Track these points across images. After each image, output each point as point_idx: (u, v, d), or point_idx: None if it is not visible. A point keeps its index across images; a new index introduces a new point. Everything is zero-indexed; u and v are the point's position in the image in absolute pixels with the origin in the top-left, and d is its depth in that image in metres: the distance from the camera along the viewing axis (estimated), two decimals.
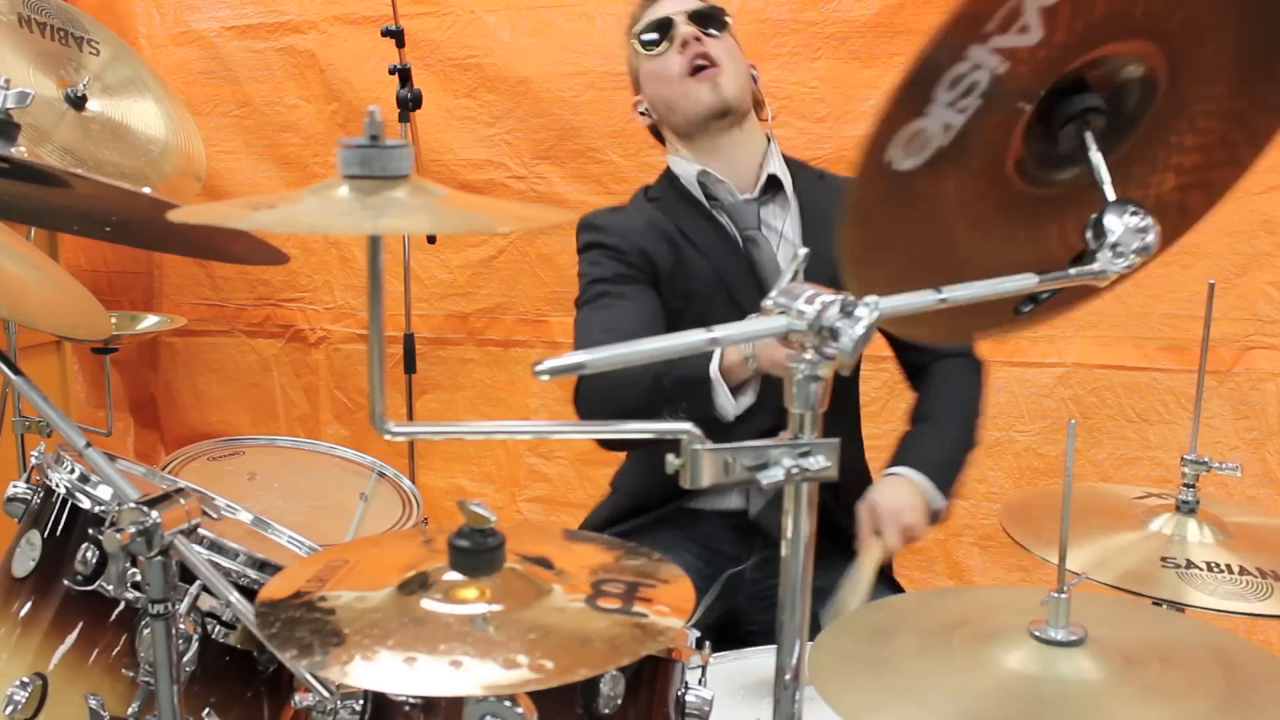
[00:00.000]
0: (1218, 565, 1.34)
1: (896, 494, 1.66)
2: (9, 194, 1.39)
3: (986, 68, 0.88)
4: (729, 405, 1.54)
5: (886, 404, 2.60)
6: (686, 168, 1.85)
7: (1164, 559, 1.35)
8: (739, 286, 1.78)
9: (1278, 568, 1.34)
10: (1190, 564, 1.34)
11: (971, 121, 0.92)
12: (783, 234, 1.83)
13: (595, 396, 1.65)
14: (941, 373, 1.88)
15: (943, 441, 1.80)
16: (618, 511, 1.94)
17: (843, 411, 1.96)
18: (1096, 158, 0.98)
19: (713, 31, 1.79)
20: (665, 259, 1.81)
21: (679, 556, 1.84)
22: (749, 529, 1.86)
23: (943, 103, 0.89)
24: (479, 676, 0.79)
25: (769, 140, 1.87)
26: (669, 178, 1.89)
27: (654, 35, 1.80)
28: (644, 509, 1.90)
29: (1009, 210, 1.05)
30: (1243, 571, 1.33)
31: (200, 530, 1.21)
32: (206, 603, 1.34)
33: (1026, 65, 0.90)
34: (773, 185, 1.84)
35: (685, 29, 1.78)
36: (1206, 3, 0.94)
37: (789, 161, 1.88)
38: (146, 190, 1.38)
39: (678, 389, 1.54)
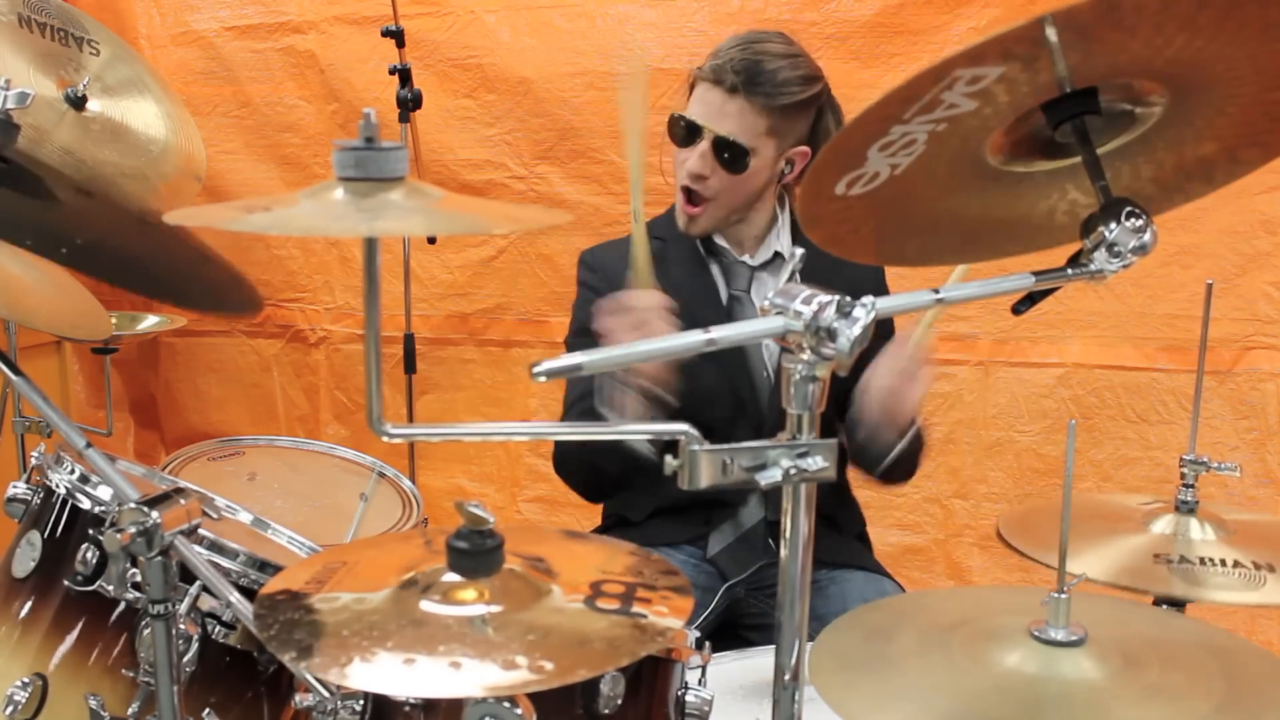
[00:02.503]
0: (1210, 560, 1.34)
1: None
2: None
3: (921, 129, 0.88)
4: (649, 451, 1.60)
5: None
6: None
7: (1156, 555, 1.36)
8: None
9: (1274, 561, 1.34)
10: (1183, 559, 1.35)
11: (926, 152, 0.92)
12: (793, 277, 1.81)
13: (572, 469, 1.80)
14: None
15: None
16: (609, 531, 1.97)
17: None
18: (1093, 158, 0.98)
19: (726, 168, 1.72)
20: None
21: (671, 555, 1.85)
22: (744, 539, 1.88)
23: (877, 159, 0.90)
24: (478, 678, 0.79)
25: (777, 214, 1.85)
26: (676, 215, 1.87)
27: (677, 132, 1.75)
28: (633, 524, 1.92)
29: (985, 180, 1.05)
30: (1236, 565, 1.33)
31: (200, 530, 1.21)
32: (206, 603, 1.34)
33: (992, 104, 0.90)
34: (778, 258, 1.84)
35: (697, 163, 1.71)
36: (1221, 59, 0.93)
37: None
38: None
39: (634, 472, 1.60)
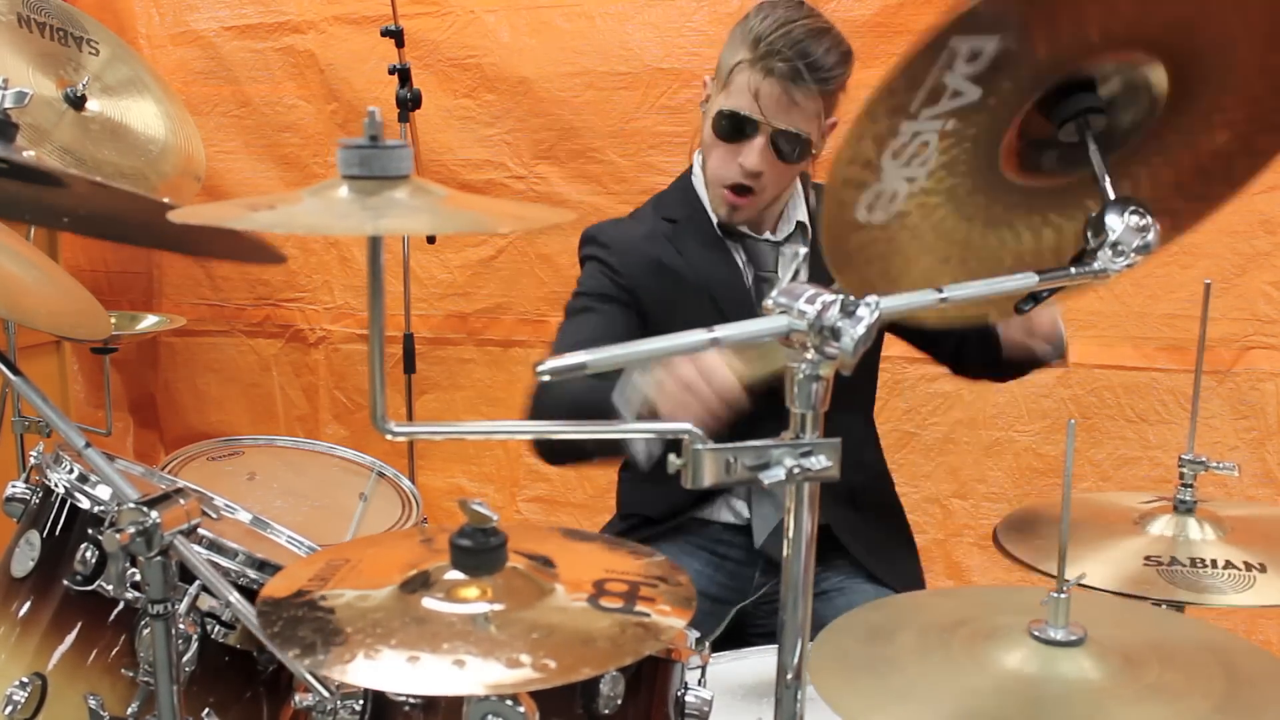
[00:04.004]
0: (1202, 561, 1.35)
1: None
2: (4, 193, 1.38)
3: (930, 126, 0.88)
4: (642, 454, 1.50)
5: (886, 403, 2.60)
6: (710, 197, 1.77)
7: (1148, 558, 1.36)
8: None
9: (1266, 560, 1.34)
10: (1175, 561, 1.35)
11: (940, 162, 0.92)
12: (797, 277, 1.77)
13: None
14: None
15: None
16: (628, 531, 1.92)
17: (859, 408, 1.94)
18: (1096, 155, 0.98)
19: (785, 159, 1.65)
20: (659, 292, 1.75)
21: (687, 563, 1.83)
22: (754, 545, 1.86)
23: (891, 169, 0.90)
24: (482, 676, 0.79)
25: (799, 184, 1.79)
26: (687, 193, 1.80)
27: (729, 129, 1.65)
28: (653, 523, 1.88)
29: (1007, 203, 1.05)
30: (1228, 566, 1.34)
31: (200, 530, 1.21)
32: (206, 603, 1.34)
33: (996, 93, 0.90)
34: (800, 228, 1.79)
35: (756, 160, 1.63)
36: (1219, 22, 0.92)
37: (818, 188, 1.81)
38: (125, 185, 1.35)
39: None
